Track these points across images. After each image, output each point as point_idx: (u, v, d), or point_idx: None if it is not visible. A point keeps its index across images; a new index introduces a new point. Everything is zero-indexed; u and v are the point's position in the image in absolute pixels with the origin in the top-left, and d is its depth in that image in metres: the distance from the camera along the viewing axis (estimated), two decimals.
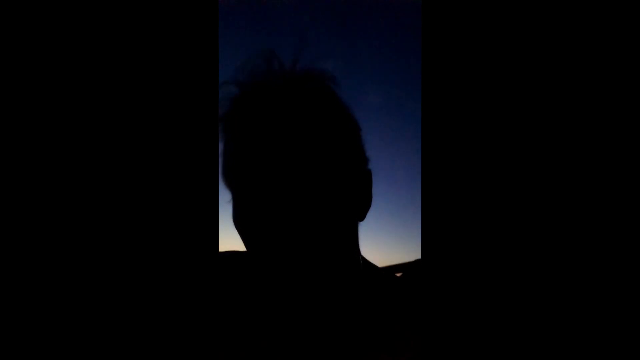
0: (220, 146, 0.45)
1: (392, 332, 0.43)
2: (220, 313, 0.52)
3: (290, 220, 0.40)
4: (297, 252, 0.41)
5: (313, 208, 0.40)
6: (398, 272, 0.54)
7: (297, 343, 0.45)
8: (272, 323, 0.48)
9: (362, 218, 0.46)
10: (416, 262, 0.58)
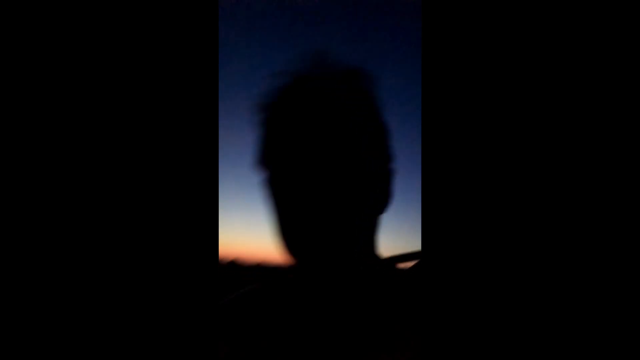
0: (263, 131, 0.49)
1: (392, 332, 0.43)
2: (220, 313, 0.52)
3: (319, 206, 0.43)
4: (321, 241, 0.43)
5: (341, 198, 0.43)
6: (400, 263, 0.55)
7: (297, 343, 0.45)
8: (272, 323, 0.48)
9: (383, 212, 0.49)
10: (418, 252, 0.59)
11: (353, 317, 0.45)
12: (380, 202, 0.48)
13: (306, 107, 0.45)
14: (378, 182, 0.47)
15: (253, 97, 0.50)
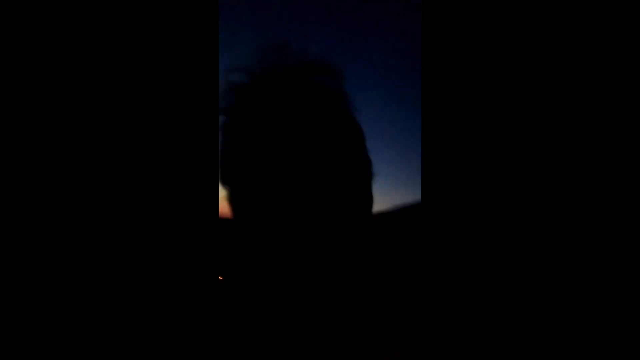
0: (220, 138, 0.44)
1: (392, 332, 0.43)
2: (220, 313, 0.52)
3: (290, 217, 0.40)
4: (298, 251, 0.41)
5: (315, 206, 0.40)
6: (398, 217, 0.54)
7: (297, 343, 0.45)
8: (272, 323, 0.48)
9: (364, 219, 0.46)
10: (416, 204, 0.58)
11: (353, 317, 0.45)
12: (359, 207, 0.45)
13: (268, 108, 0.41)
14: (355, 186, 0.44)
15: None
